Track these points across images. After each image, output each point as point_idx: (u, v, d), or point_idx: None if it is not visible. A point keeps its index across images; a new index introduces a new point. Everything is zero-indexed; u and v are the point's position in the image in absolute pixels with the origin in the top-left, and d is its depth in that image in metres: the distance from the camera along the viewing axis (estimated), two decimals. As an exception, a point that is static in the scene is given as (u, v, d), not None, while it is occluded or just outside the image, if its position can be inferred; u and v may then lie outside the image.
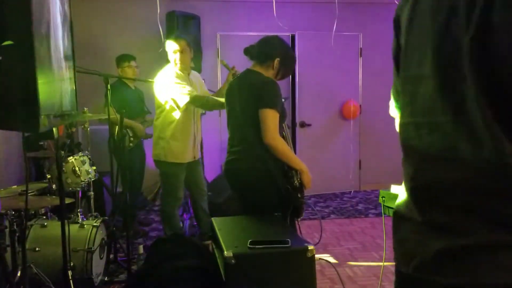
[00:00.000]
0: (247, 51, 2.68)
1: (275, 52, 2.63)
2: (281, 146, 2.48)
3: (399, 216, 0.93)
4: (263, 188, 2.55)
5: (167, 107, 3.55)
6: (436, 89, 0.83)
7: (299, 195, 2.53)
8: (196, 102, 3.48)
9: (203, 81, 3.93)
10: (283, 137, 2.69)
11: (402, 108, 0.95)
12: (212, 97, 3.65)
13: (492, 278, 0.74)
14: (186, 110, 3.56)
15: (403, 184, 0.94)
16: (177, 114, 3.55)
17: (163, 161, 3.61)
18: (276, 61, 2.62)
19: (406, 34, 0.92)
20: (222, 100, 3.35)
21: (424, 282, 0.83)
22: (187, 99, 3.42)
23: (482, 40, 0.73)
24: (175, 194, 3.67)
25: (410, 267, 0.85)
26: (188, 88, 3.47)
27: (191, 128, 3.65)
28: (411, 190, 0.89)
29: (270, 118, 2.44)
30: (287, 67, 2.69)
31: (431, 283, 0.81)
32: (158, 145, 3.62)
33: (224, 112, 5.89)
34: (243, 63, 2.80)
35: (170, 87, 3.47)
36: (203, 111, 4.16)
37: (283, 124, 2.68)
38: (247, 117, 2.54)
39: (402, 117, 0.94)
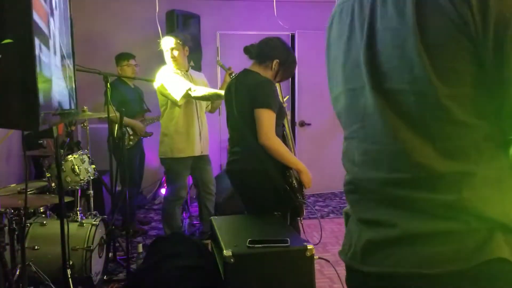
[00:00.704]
0: (247, 50, 2.67)
1: (275, 54, 2.61)
2: (277, 146, 2.46)
3: (346, 213, 1.04)
4: (262, 189, 2.54)
5: (169, 104, 3.58)
6: (347, 103, 0.96)
7: (298, 195, 2.53)
8: (192, 94, 3.48)
9: (206, 80, 3.93)
10: (283, 135, 2.68)
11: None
12: (207, 88, 3.64)
13: (407, 267, 0.81)
14: (187, 104, 3.58)
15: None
16: (178, 110, 3.57)
17: (170, 158, 3.62)
18: (275, 62, 2.60)
19: (327, 61, 1.05)
20: (220, 92, 3.36)
21: (353, 270, 0.94)
22: (182, 93, 3.44)
23: (371, 46, 0.85)
24: (177, 193, 3.68)
25: (347, 256, 0.96)
26: (183, 83, 3.48)
27: (195, 122, 3.66)
28: (345, 194, 1.02)
29: (265, 118, 2.43)
30: (287, 70, 2.67)
31: (357, 271, 0.92)
32: (163, 143, 3.65)
33: (224, 111, 5.89)
34: (243, 62, 2.80)
35: (165, 85, 3.51)
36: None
37: (284, 122, 2.67)
38: (244, 118, 2.53)
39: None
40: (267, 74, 2.61)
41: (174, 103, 3.52)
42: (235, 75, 2.77)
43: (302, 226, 2.70)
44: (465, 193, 0.77)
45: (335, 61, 1.00)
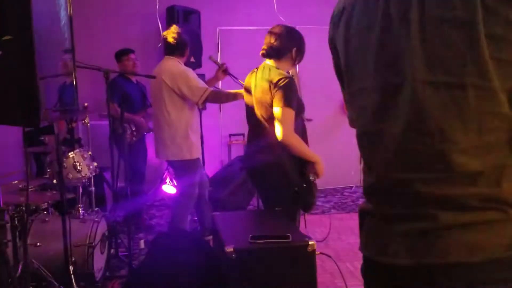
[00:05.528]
0: (268, 54, 2.61)
1: (292, 44, 2.60)
2: (296, 143, 2.45)
3: (363, 212, 1.00)
4: (277, 185, 2.51)
5: (183, 103, 3.45)
6: (376, 99, 0.89)
7: (314, 193, 2.51)
8: (211, 97, 3.42)
9: None
10: (303, 128, 2.66)
11: (354, 121, 1.03)
12: (224, 90, 3.61)
13: (447, 257, 0.80)
14: (195, 104, 3.55)
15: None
16: (192, 109, 3.51)
17: (188, 160, 3.50)
18: (294, 50, 2.60)
19: (345, 54, 0.99)
20: (233, 91, 3.35)
21: (381, 264, 0.90)
22: (205, 95, 3.38)
23: (421, 38, 0.80)
24: (194, 191, 3.57)
25: (372, 251, 0.93)
26: (203, 84, 3.44)
27: (198, 121, 3.69)
28: (367, 192, 0.98)
29: (285, 116, 2.41)
30: (301, 51, 2.66)
31: (387, 265, 0.88)
32: (179, 144, 3.47)
33: (224, 108, 5.89)
34: (243, 58, 2.79)
35: (186, 84, 3.40)
36: (203, 106, 4.15)
37: (302, 116, 2.65)
38: (262, 113, 2.53)
39: (357, 129, 1.01)
40: (287, 64, 2.61)
41: (196, 102, 3.44)
42: (228, 71, 2.73)
43: (305, 221, 2.70)
44: (504, 185, 0.78)
45: (358, 54, 0.94)
